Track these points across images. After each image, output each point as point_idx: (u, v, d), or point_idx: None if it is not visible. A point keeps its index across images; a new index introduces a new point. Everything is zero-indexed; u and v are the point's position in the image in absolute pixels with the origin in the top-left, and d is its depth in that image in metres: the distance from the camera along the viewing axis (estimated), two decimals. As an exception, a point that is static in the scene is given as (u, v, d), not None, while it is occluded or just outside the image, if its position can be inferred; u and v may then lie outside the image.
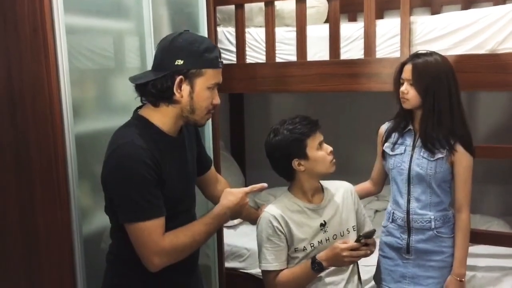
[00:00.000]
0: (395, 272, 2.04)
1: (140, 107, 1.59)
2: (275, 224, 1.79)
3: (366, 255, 1.76)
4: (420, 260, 1.99)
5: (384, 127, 2.13)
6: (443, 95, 1.89)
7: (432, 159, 1.93)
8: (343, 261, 1.74)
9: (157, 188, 1.47)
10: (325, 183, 1.92)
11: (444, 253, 1.98)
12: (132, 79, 1.55)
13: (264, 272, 1.83)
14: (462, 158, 1.92)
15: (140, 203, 1.43)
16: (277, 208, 1.82)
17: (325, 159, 1.80)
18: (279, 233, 1.79)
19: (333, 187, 1.93)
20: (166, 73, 1.47)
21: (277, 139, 1.78)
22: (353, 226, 1.91)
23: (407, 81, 1.93)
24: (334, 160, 1.81)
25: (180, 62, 1.46)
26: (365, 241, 1.75)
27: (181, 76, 1.47)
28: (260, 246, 1.83)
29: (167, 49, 1.50)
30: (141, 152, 1.43)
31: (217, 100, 1.56)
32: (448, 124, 1.91)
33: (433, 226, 1.96)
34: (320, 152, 1.79)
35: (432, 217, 1.96)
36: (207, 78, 1.50)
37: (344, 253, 1.71)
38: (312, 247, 1.82)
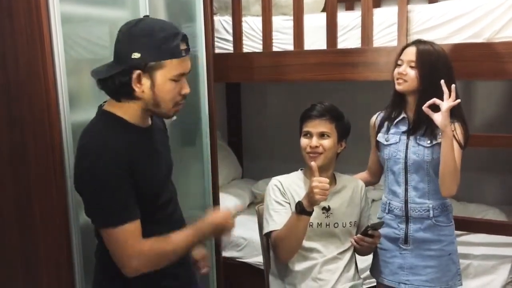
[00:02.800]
0: (392, 263, 2.03)
1: (104, 103, 1.50)
2: (280, 187, 1.92)
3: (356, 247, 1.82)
4: (418, 250, 1.99)
5: (375, 118, 2.12)
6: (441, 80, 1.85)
7: (428, 145, 1.92)
8: (315, 198, 1.72)
9: (131, 190, 1.39)
10: (339, 175, 2.01)
11: (442, 242, 1.98)
12: (94, 73, 1.44)
13: (269, 234, 1.88)
14: (457, 129, 1.89)
15: (114, 207, 1.36)
16: (284, 179, 1.96)
17: (304, 149, 1.91)
18: (284, 195, 1.90)
19: (345, 180, 2.01)
20: (123, 68, 1.36)
21: None
22: (354, 221, 1.95)
23: (408, 63, 1.91)
24: (310, 155, 1.87)
25: (136, 55, 1.34)
26: (372, 232, 1.79)
27: (138, 71, 1.35)
28: (267, 210, 1.91)
29: (124, 40, 1.39)
30: (112, 153, 1.35)
31: (185, 90, 1.44)
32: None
33: (431, 215, 1.96)
34: (302, 139, 1.92)
35: (431, 205, 1.96)
36: (169, 70, 1.37)
37: (314, 184, 1.71)
38: (311, 226, 1.87)
